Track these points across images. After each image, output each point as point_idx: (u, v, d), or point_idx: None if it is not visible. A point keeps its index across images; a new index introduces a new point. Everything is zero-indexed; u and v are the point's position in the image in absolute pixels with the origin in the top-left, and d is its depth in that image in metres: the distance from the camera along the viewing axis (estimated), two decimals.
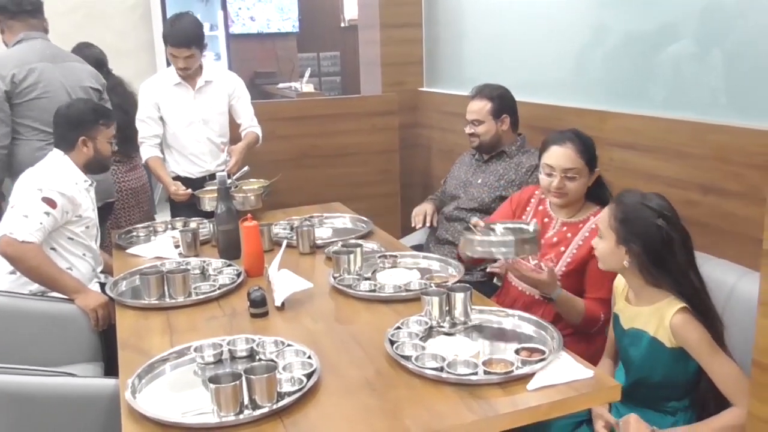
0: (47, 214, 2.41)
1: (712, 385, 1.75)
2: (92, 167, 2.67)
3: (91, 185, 2.67)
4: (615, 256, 1.86)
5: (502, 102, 2.99)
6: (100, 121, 2.64)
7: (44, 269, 2.40)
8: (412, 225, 3.17)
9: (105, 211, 3.18)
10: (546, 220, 2.41)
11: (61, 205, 2.45)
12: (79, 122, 2.61)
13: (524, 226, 2.18)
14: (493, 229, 2.18)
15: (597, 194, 2.36)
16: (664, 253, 1.79)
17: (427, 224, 3.13)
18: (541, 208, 2.46)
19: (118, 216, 3.56)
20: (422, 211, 3.16)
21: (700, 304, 1.78)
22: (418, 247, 3.21)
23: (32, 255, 2.37)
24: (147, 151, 3.21)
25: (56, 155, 2.61)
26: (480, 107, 2.99)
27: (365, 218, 3.07)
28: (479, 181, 3.02)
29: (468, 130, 3.03)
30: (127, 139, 3.37)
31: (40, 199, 2.41)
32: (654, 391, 1.88)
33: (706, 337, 1.73)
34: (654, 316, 1.81)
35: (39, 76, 2.97)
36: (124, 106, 3.43)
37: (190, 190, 3.12)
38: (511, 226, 2.20)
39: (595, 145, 2.35)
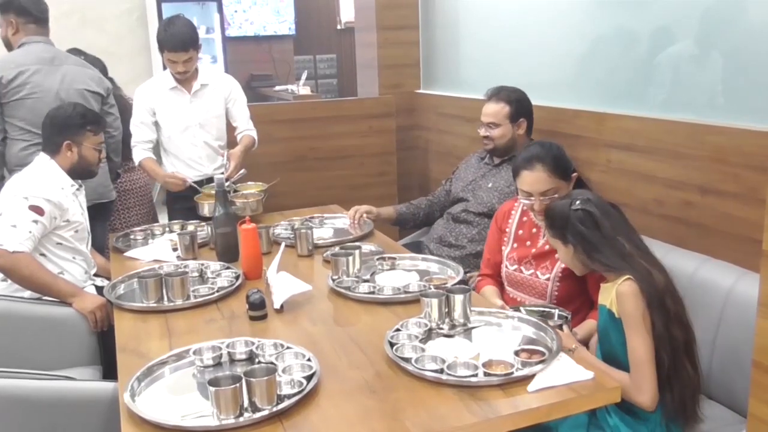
0: (35, 222, 2.41)
1: (681, 393, 1.81)
2: (77, 173, 2.63)
3: (78, 189, 2.66)
4: (569, 257, 1.96)
5: (520, 106, 2.92)
6: (87, 127, 2.61)
7: (37, 277, 2.39)
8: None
9: (97, 211, 3.16)
10: (534, 230, 2.40)
11: (48, 212, 2.44)
12: (65, 126, 2.58)
13: (551, 310, 2.12)
14: (519, 311, 2.12)
15: None
16: (589, 229, 1.87)
17: (354, 222, 3.01)
18: (525, 219, 2.44)
19: (115, 218, 3.54)
20: (355, 209, 3.05)
21: (636, 265, 1.82)
22: (415, 245, 3.19)
23: (24, 264, 2.36)
24: (139, 153, 3.20)
25: (43, 159, 2.60)
26: (497, 110, 2.91)
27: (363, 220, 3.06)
28: (489, 185, 2.98)
29: (483, 132, 2.95)
30: (122, 142, 3.37)
31: (27, 208, 2.40)
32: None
33: (639, 312, 1.78)
34: (612, 289, 1.86)
35: (28, 77, 3.01)
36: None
37: (185, 177, 3.09)
38: (536, 309, 2.16)
39: (564, 152, 2.30)
